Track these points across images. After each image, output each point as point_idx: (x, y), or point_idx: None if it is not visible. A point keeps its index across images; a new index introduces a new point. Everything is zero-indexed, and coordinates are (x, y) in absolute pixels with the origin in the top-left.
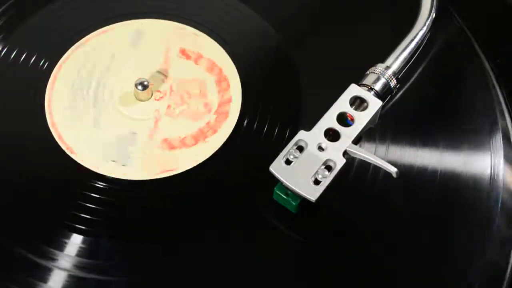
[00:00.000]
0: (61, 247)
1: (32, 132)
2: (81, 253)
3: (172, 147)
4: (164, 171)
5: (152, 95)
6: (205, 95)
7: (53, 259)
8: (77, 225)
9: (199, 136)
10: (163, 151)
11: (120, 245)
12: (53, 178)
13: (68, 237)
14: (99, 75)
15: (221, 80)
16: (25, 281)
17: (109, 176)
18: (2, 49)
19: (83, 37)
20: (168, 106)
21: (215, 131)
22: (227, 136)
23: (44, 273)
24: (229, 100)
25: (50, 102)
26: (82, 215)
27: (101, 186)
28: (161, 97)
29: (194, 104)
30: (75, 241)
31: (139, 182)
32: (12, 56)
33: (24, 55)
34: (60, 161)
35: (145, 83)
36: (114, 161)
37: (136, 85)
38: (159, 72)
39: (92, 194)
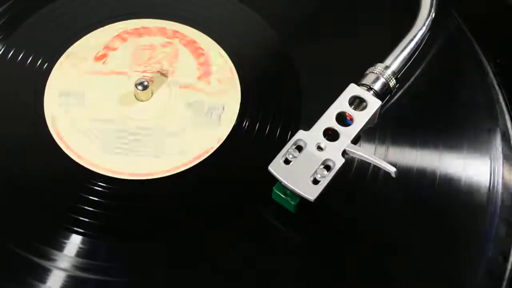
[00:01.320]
0: (60, 247)
1: (32, 132)
2: (80, 254)
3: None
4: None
5: (152, 95)
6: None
7: (52, 260)
8: (76, 226)
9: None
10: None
11: (120, 245)
12: (53, 178)
13: (67, 238)
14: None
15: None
16: (24, 281)
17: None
18: (2, 49)
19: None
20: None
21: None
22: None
23: (43, 274)
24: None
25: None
26: (82, 215)
27: (101, 186)
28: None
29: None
30: (74, 241)
31: (139, 182)
32: (12, 56)
33: (24, 55)
34: (60, 161)
35: (145, 83)
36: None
37: (136, 85)
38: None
39: (92, 194)
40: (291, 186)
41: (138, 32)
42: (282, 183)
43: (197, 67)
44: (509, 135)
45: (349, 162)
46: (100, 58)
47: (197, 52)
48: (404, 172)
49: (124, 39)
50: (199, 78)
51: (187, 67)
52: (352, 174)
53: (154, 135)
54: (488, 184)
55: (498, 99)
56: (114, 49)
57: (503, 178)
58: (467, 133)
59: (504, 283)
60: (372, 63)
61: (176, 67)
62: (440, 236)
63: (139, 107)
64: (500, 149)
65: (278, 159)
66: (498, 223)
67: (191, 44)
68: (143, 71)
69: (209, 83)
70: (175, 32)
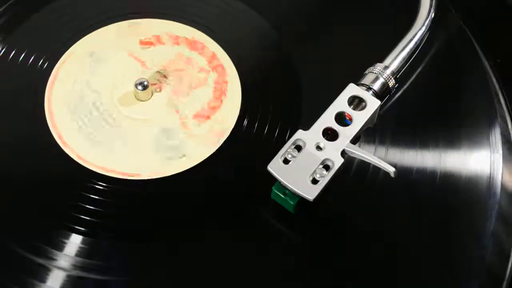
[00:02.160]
0: (60, 247)
1: (32, 132)
2: (80, 253)
3: (205, 117)
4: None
5: (152, 95)
6: (192, 63)
7: (52, 259)
8: (76, 225)
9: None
10: (200, 125)
11: (119, 245)
12: (53, 177)
13: (68, 237)
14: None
15: (203, 50)
16: (24, 281)
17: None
18: (2, 49)
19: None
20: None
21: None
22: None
23: (43, 273)
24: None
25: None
26: (81, 214)
27: (101, 186)
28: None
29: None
30: (74, 241)
31: (139, 182)
32: (12, 56)
33: (24, 55)
34: (59, 161)
35: (145, 83)
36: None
37: (136, 85)
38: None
39: (92, 194)
40: (290, 186)
41: (191, 44)
42: (281, 183)
43: (203, 106)
44: (509, 135)
45: (349, 162)
46: (146, 43)
47: (219, 95)
48: (404, 172)
49: (177, 42)
50: (195, 116)
51: (198, 100)
52: (352, 174)
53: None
54: (488, 184)
55: (498, 99)
56: (162, 44)
57: (502, 178)
58: (467, 133)
59: (504, 283)
60: (372, 63)
61: (190, 95)
62: (440, 236)
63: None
64: (499, 149)
65: (277, 159)
66: (498, 223)
67: (222, 85)
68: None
69: (199, 125)
70: (218, 66)
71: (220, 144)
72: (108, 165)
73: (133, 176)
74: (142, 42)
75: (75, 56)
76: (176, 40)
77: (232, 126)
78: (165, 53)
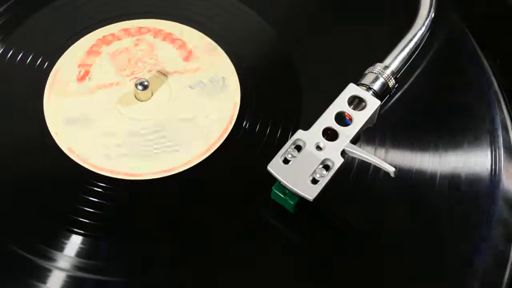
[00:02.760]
0: (60, 247)
1: (32, 132)
2: (80, 254)
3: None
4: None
5: (152, 95)
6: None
7: (52, 260)
8: (76, 226)
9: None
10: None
11: (120, 245)
12: (53, 178)
13: (68, 238)
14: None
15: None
16: (24, 282)
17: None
18: (2, 49)
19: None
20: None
21: None
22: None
23: (43, 274)
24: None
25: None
26: (81, 215)
27: (101, 186)
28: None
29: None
30: (75, 241)
31: (139, 182)
32: (12, 56)
33: (23, 55)
34: (59, 161)
35: (145, 83)
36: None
37: (136, 85)
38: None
39: (92, 194)
40: (290, 185)
41: (106, 40)
42: (281, 183)
43: (177, 52)
44: (509, 135)
45: (350, 162)
46: (83, 78)
47: (170, 38)
48: (404, 172)
49: (97, 53)
50: (185, 59)
51: (168, 55)
52: (353, 174)
53: (153, 135)
54: (488, 185)
55: (498, 99)
56: (90, 65)
57: (503, 178)
58: (467, 133)
59: (504, 283)
60: (372, 63)
61: (158, 58)
62: (439, 236)
63: (139, 107)
64: (500, 149)
65: (277, 159)
66: (498, 224)
67: (160, 33)
68: (132, 74)
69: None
70: (140, 28)
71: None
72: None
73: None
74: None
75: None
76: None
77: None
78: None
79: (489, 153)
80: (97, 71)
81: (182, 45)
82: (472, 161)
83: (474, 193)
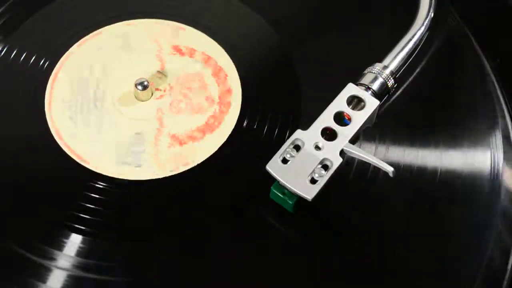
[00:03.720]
0: (60, 247)
1: (32, 132)
2: (80, 253)
3: (182, 142)
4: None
5: (152, 94)
6: (205, 87)
7: (52, 259)
8: (76, 225)
9: (206, 129)
10: (172, 147)
11: (120, 245)
12: (53, 178)
13: (68, 237)
14: (99, 75)
15: (218, 72)
16: (25, 281)
17: (108, 176)
18: (2, 49)
19: (83, 36)
20: (171, 103)
21: (219, 123)
22: (227, 136)
23: (43, 273)
24: (229, 91)
25: (50, 102)
26: (82, 215)
27: (101, 186)
28: (162, 96)
29: (195, 98)
30: (75, 241)
31: (139, 182)
32: (12, 56)
33: (24, 55)
34: (60, 161)
35: (145, 83)
36: (113, 160)
37: (136, 85)
38: (159, 71)
39: (92, 194)
40: (288, 185)
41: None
42: (280, 183)
43: (186, 132)
44: (509, 135)
45: (350, 162)
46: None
47: (208, 129)
48: (404, 172)
49: (182, 54)
50: (172, 136)
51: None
52: (353, 173)
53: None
54: (488, 184)
55: (498, 98)
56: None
57: (503, 178)
58: (467, 132)
59: (504, 283)
60: (372, 63)
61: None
62: (440, 236)
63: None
64: (500, 149)
65: (276, 159)
66: (498, 223)
67: (216, 120)
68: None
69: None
70: (227, 104)
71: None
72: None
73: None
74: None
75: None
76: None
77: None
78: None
79: (489, 152)
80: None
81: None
82: (472, 160)
83: (474, 192)
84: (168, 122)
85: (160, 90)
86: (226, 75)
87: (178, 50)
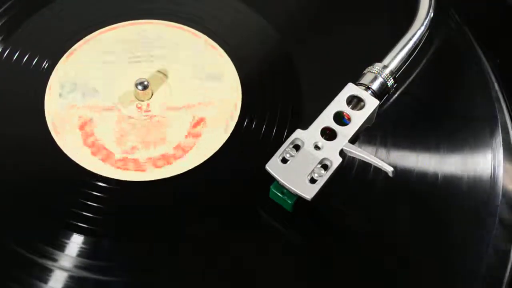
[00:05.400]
0: (61, 247)
1: (32, 132)
2: (81, 253)
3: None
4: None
5: (152, 95)
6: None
7: (53, 259)
8: (77, 225)
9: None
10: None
11: (121, 245)
12: (53, 178)
13: (69, 237)
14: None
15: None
16: (25, 281)
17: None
18: (2, 49)
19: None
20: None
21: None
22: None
23: (44, 273)
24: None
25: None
26: (83, 214)
27: (101, 186)
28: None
29: None
30: (76, 241)
31: (140, 182)
32: (12, 56)
33: (24, 55)
34: (60, 161)
35: (145, 83)
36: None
37: (136, 85)
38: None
39: (92, 194)
40: (288, 185)
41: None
42: (279, 182)
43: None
44: (509, 135)
45: (350, 162)
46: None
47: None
48: (405, 173)
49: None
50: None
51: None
52: (353, 174)
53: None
54: (488, 185)
55: (498, 98)
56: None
57: (503, 179)
58: (467, 133)
59: (505, 283)
60: (372, 63)
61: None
62: (440, 237)
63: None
64: (500, 149)
65: (275, 158)
66: (497, 225)
67: None
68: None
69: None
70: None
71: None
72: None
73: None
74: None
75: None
76: None
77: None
78: None
79: (489, 153)
80: None
81: None
82: (473, 161)
83: (474, 193)
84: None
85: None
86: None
87: None
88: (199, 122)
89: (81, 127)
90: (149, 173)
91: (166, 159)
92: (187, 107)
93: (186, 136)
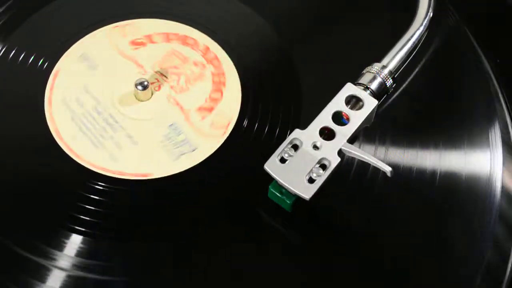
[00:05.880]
0: (60, 247)
1: (32, 132)
2: (80, 253)
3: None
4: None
5: (152, 95)
6: (186, 59)
7: (52, 259)
8: (76, 225)
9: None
10: (203, 120)
11: (120, 245)
12: (53, 178)
13: (68, 237)
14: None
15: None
16: (25, 281)
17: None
18: (2, 49)
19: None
20: (171, 87)
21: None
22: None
23: (43, 273)
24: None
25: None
26: (82, 214)
27: (101, 186)
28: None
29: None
30: (75, 241)
31: (139, 182)
32: (12, 56)
33: (24, 55)
34: (60, 161)
35: (145, 83)
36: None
37: (136, 85)
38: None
39: (92, 194)
40: (286, 184)
41: (184, 41)
42: (278, 182)
43: (205, 99)
44: (509, 135)
45: (350, 162)
46: (138, 44)
47: (219, 87)
48: (404, 172)
49: (169, 40)
50: (198, 109)
51: (196, 95)
52: (352, 173)
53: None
54: (487, 185)
55: (498, 98)
56: (154, 43)
57: (503, 178)
58: (467, 133)
59: (504, 285)
60: (371, 63)
61: (188, 89)
62: (439, 236)
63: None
64: (500, 149)
65: (274, 158)
66: (497, 225)
67: (220, 76)
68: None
69: (202, 119)
70: (214, 58)
71: (221, 144)
72: (109, 165)
73: (133, 176)
74: (133, 43)
75: (74, 56)
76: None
77: (232, 126)
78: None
79: (489, 152)
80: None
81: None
82: (472, 160)
83: (474, 192)
84: (184, 101)
85: (154, 83)
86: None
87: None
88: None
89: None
90: (149, 173)
91: None
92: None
93: None
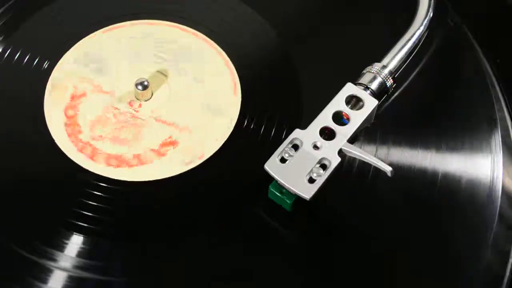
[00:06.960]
0: (61, 247)
1: (32, 132)
2: (81, 254)
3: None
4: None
5: (152, 95)
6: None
7: (53, 260)
8: (77, 226)
9: None
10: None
11: (120, 245)
12: (53, 178)
13: (68, 238)
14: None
15: None
16: (25, 281)
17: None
18: (2, 49)
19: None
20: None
21: None
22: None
23: (44, 274)
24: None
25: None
26: (82, 215)
27: (101, 187)
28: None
29: None
30: (76, 241)
31: (139, 183)
32: (12, 56)
33: (24, 55)
34: (60, 161)
35: (145, 83)
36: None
37: (136, 85)
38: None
39: (92, 195)
40: (286, 184)
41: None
42: (278, 182)
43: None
44: (509, 135)
45: (350, 161)
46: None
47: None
48: (405, 172)
49: None
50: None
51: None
52: (353, 173)
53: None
54: (488, 185)
55: (498, 99)
56: None
57: (503, 179)
58: (467, 133)
59: (504, 284)
60: (371, 63)
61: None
62: (439, 237)
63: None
64: (500, 149)
65: (274, 158)
66: (497, 224)
67: None
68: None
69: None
70: None
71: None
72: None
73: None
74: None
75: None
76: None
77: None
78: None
79: (489, 153)
80: None
81: None
82: (472, 160)
83: (474, 192)
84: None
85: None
86: None
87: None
88: None
89: (72, 97)
90: (148, 173)
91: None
92: None
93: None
